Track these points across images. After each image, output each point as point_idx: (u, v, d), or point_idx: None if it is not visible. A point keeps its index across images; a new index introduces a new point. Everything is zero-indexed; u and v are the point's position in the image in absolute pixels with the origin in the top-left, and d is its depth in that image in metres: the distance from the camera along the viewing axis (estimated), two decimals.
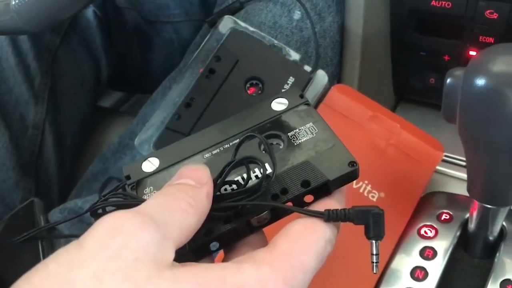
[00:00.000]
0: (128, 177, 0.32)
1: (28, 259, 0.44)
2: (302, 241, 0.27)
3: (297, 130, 0.33)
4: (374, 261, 0.30)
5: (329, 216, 0.28)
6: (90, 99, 0.79)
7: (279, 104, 0.35)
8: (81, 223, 0.53)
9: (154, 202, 0.25)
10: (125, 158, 0.61)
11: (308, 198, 0.30)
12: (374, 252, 0.29)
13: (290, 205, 0.30)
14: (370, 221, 0.28)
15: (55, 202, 0.69)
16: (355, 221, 0.28)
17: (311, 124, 0.33)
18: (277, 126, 0.34)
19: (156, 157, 0.33)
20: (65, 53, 0.73)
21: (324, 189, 0.30)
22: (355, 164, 0.30)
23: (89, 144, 0.80)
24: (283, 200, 0.30)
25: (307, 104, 0.35)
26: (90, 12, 0.77)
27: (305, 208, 0.30)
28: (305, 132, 0.33)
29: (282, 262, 0.25)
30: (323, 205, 0.29)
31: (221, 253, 0.32)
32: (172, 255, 0.24)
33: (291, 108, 0.35)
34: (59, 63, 0.72)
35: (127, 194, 0.30)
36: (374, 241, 0.29)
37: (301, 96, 0.35)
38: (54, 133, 0.70)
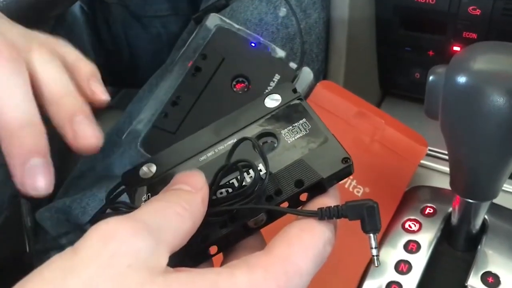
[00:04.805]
0: (126, 184, 0.32)
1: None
2: (299, 244, 0.26)
3: (291, 127, 0.33)
4: (374, 254, 0.29)
5: (322, 215, 0.28)
6: None
7: (272, 101, 0.34)
8: (67, 223, 0.53)
9: (148, 208, 0.26)
10: (112, 156, 0.61)
11: (303, 197, 0.30)
12: (373, 246, 0.29)
13: (285, 205, 0.30)
14: (364, 215, 0.28)
15: (44, 198, 0.69)
16: (349, 217, 0.28)
17: (304, 120, 0.33)
18: (271, 124, 0.33)
19: (153, 162, 0.33)
20: None
21: (318, 187, 0.30)
22: (348, 160, 0.30)
23: None
24: (278, 201, 0.29)
25: (300, 99, 0.34)
26: (77, 7, 0.77)
27: (299, 208, 0.30)
28: (298, 129, 0.33)
29: (276, 267, 0.25)
30: (318, 203, 0.29)
31: (219, 255, 0.31)
32: (165, 260, 0.24)
33: (284, 104, 0.34)
34: None
35: (126, 205, 0.30)
36: (372, 235, 0.29)
37: (294, 91, 0.35)
38: None
